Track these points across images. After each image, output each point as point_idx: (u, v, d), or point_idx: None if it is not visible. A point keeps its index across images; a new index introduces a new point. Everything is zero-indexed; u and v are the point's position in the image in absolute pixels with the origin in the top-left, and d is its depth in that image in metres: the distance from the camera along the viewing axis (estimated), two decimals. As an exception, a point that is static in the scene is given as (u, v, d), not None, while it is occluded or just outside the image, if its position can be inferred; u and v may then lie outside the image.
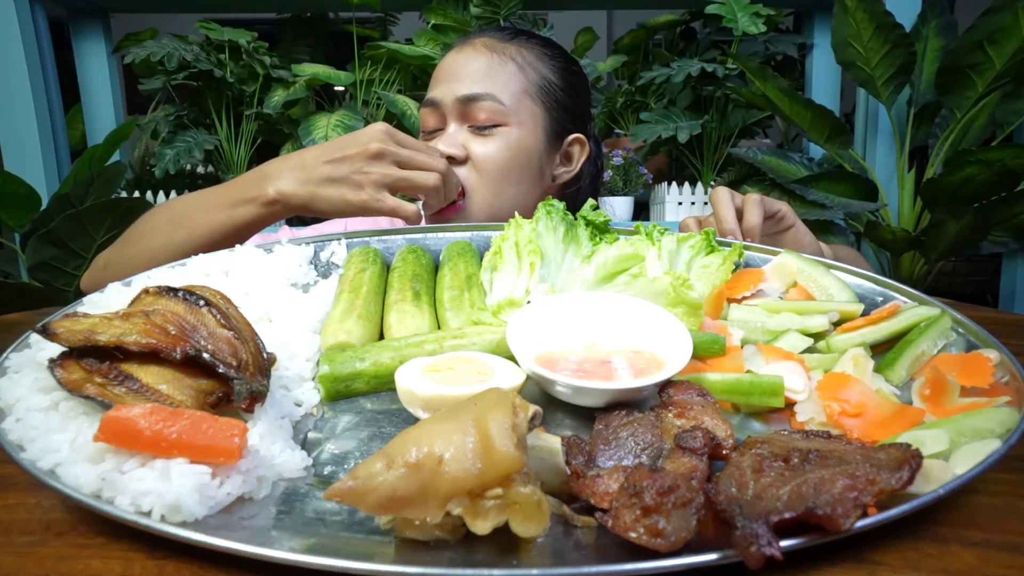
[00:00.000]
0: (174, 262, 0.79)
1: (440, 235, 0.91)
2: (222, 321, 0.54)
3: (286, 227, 1.29)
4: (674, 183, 3.01)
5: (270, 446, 0.50)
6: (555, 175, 1.26)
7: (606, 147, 2.91)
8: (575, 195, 1.34)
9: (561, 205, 0.83)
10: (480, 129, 1.16)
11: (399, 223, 1.36)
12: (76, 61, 3.14)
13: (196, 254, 0.81)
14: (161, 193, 3.08)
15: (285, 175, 0.98)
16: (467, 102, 1.15)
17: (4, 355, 0.58)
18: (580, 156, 1.28)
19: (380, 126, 0.98)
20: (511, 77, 1.18)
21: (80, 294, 0.80)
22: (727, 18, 2.68)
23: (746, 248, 0.83)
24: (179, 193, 3.11)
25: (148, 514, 0.42)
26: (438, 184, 1.00)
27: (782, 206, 0.99)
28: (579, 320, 0.65)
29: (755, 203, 0.93)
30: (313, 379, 0.64)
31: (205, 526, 0.42)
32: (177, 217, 1.03)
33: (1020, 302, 2.77)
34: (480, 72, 1.17)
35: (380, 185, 0.96)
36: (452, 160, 1.13)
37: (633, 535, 0.38)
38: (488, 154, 1.15)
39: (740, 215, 0.94)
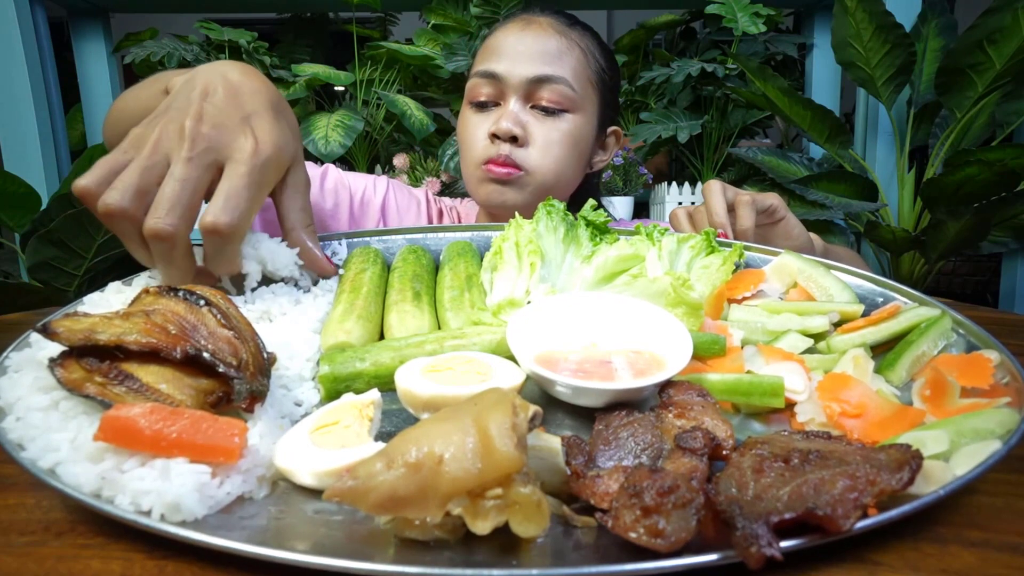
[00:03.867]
0: None
1: (440, 235, 0.91)
2: (222, 321, 0.54)
3: (331, 166, 1.25)
4: (674, 183, 3.01)
5: (270, 446, 0.50)
6: (592, 163, 1.28)
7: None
8: (595, 187, 1.35)
9: (561, 205, 0.83)
10: (546, 112, 1.14)
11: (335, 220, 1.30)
12: (76, 61, 3.14)
13: None
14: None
15: None
16: (538, 83, 1.12)
17: (4, 355, 0.58)
18: (613, 147, 1.31)
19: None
20: (577, 63, 1.17)
21: (80, 294, 0.79)
22: (727, 18, 2.67)
23: (746, 248, 0.84)
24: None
25: (148, 514, 0.42)
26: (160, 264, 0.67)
27: (772, 200, 0.99)
28: (579, 320, 0.65)
29: (747, 205, 0.94)
30: (313, 379, 0.64)
31: (205, 526, 0.42)
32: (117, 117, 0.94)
33: (1020, 302, 2.77)
34: (552, 54, 1.14)
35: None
36: (514, 141, 1.12)
37: (633, 535, 0.38)
38: (553, 140, 1.14)
39: (731, 209, 0.95)
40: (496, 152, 1.12)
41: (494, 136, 1.13)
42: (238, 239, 0.67)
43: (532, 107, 1.14)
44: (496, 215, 1.19)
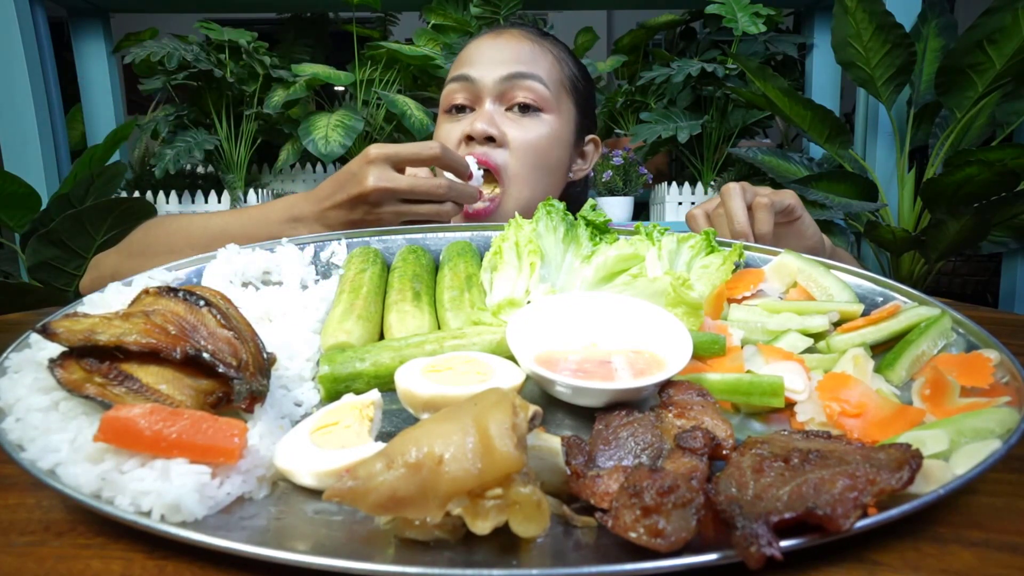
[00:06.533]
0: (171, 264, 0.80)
1: (440, 235, 0.91)
2: (222, 321, 0.54)
3: None
4: (674, 183, 3.01)
5: (270, 446, 0.50)
6: (572, 171, 1.28)
7: (606, 147, 2.92)
8: (579, 195, 1.36)
9: (561, 205, 0.83)
10: (521, 112, 1.14)
11: None
12: (76, 61, 3.13)
13: None
14: (161, 193, 3.08)
15: (310, 222, 0.94)
16: (511, 80, 1.13)
17: (4, 355, 0.58)
18: (593, 156, 1.31)
19: (371, 155, 0.90)
20: (551, 67, 1.18)
21: (80, 295, 0.80)
22: (727, 18, 2.67)
23: (746, 248, 0.83)
24: (179, 193, 3.10)
25: (148, 514, 0.42)
26: (451, 211, 0.94)
27: (790, 199, 0.97)
28: (579, 320, 0.65)
29: (766, 208, 0.91)
30: (313, 379, 0.64)
31: (205, 526, 0.42)
32: (199, 245, 0.95)
33: (1020, 302, 2.77)
34: (525, 55, 1.16)
35: (400, 223, 0.93)
36: (490, 141, 1.12)
37: (633, 535, 0.38)
38: (528, 140, 1.14)
39: (750, 209, 0.92)
40: (470, 152, 1.13)
41: (469, 138, 1.13)
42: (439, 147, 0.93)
43: (507, 109, 1.15)
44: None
